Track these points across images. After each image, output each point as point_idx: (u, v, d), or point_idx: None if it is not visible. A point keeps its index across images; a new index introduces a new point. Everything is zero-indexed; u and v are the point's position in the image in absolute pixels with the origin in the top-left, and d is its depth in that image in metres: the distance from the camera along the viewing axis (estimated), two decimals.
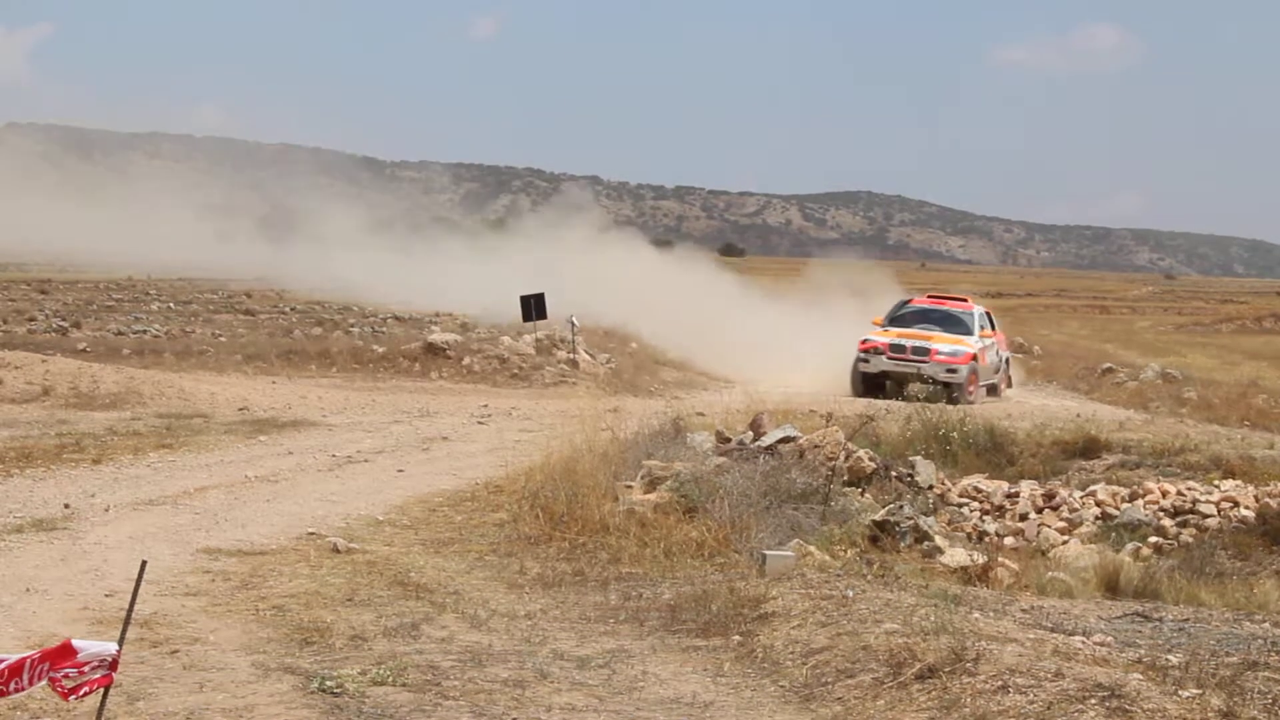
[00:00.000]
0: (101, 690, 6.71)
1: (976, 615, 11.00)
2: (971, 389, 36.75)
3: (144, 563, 7.39)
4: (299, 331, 42.97)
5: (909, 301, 42.55)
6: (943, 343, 37.87)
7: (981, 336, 39.07)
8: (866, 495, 17.95)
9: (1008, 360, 42.55)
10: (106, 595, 11.90)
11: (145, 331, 40.70)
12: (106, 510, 15.82)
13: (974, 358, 37.63)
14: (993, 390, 39.55)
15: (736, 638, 11.06)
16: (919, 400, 26.79)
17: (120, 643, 6.67)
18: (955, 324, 39.34)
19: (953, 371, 36.90)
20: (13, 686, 6.29)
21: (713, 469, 17.13)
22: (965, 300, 42.51)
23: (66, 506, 15.88)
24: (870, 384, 37.09)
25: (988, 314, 41.34)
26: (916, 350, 37.69)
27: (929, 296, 43.40)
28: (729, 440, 19.86)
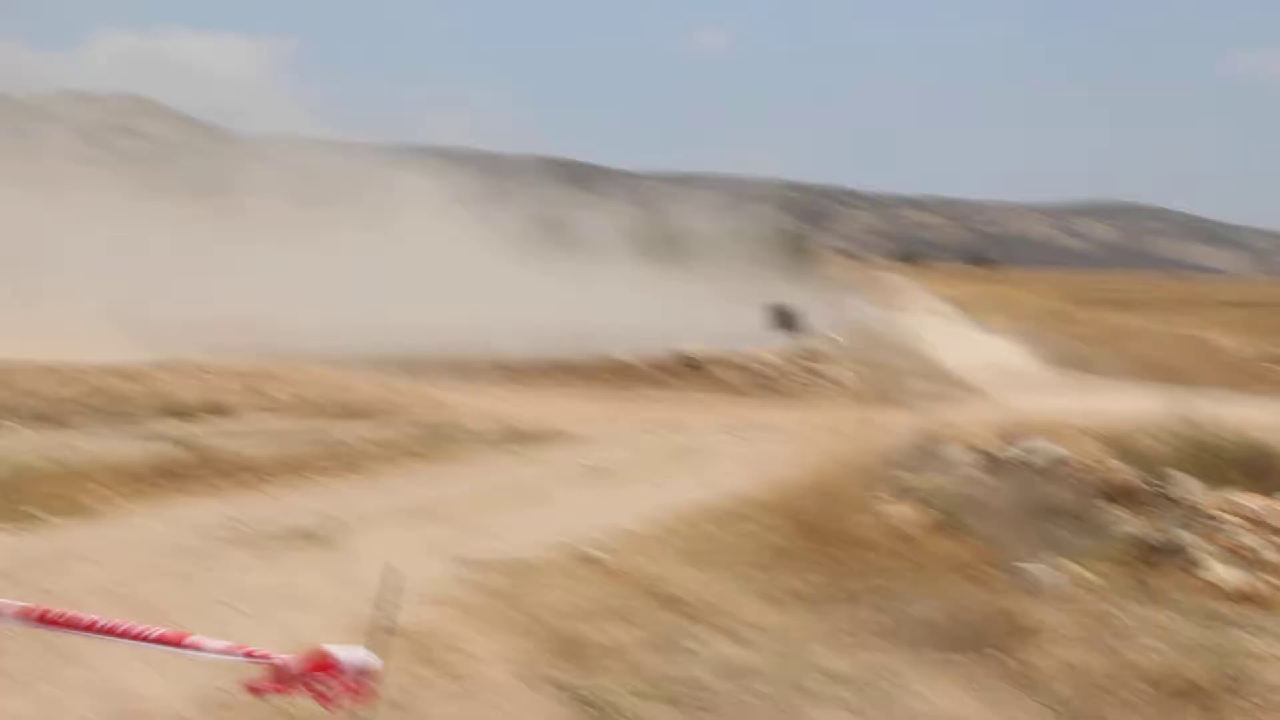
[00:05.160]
0: (365, 701, 6.81)
1: (1244, 635, 10.77)
2: None
3: (397, 572, 7.49)
4: (552, 342, 43.37)
5: None
6: None
7: None
8: (1127, 511, 17.66)
9: None
10: (366, 605, 12.09)
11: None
12: (364, 520, 16.08)
13: None
14: None
15: (996, 654, 10.94)
16: None
17: (379, 653, 6.77)
18: None
19: None
20: (278, 687, 6.41)
21: (968, 482, 16.98)
22: None
23: (325, 516, 16.16)
24: None
25: None
26: None
27: None
28: (984, 453, 19.67)
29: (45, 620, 6.43)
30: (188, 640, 6.43)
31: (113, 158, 59.27)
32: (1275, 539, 17.86)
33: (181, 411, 25.56)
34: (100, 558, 13.62)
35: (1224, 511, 18.85)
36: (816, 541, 15.06)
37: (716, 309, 50.24)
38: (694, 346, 40.34)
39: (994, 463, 18.93)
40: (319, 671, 6.50)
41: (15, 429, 22.33)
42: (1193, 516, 18.10)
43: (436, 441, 23.65)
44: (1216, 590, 14.09)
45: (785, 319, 39.65)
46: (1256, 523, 18.36)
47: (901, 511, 15.98)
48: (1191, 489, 18.93)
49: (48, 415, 23.87)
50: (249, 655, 6.50)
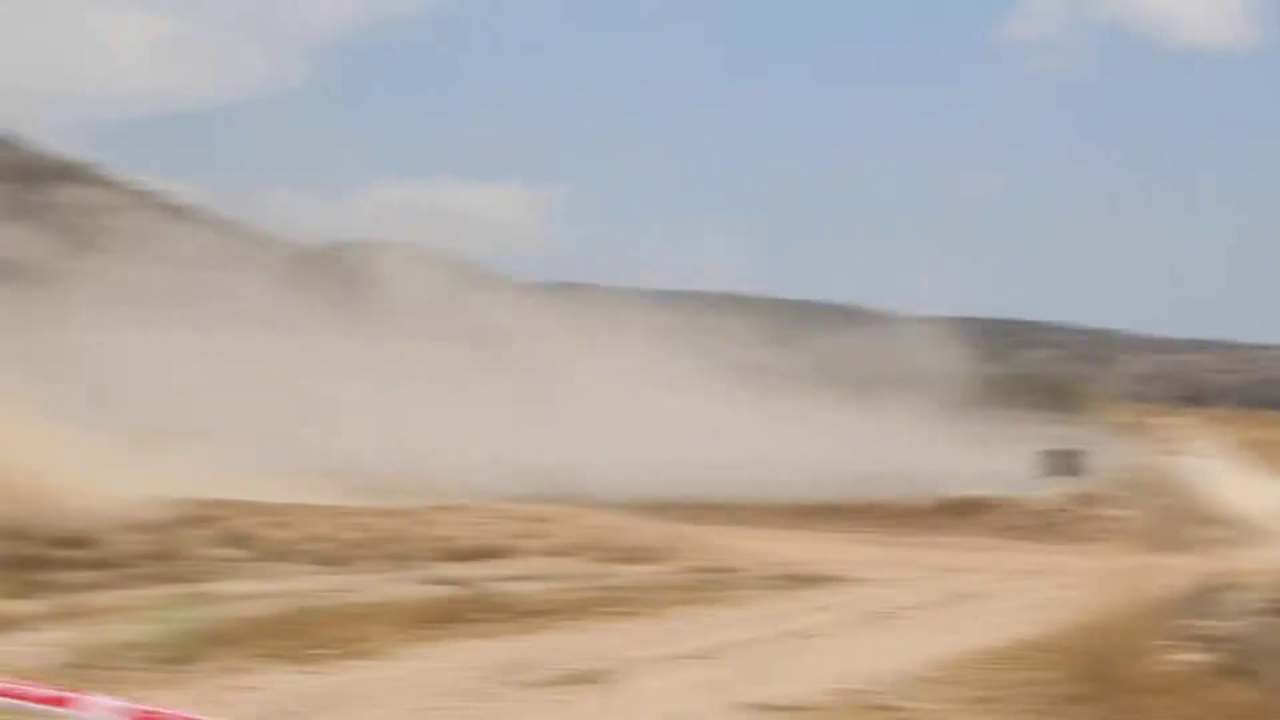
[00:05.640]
0: None
1: None
2: None
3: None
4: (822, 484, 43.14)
5: None
6: None
7: None
8: None
9: None
10: None
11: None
12: (643, 663, 16.02)
13: None
14: None
15: None
16: None
17: None
18: None
19: None
20: None
21: (1259, 629, 16.50)
22: None
23: (603, 658, 16.10)
24: None
25: None
26: None
27: None
28: (1272, 598, 19.12)
29: None
30: None
31: (378, 304, 60.65)
32: None
33: (460, 554, 25.91)
34: (382, 698, 13.81)
35: None
36: (1101, 687, 14.69)
37: (993, 452, 49.60)
38: (971, 489, 39.90)
39: None
40: None
41: (300, 570, 22.83)
42: None
43: (714, 584, 23.62)
44: None
45: (1065, 462, 39.06)
46: None
47: (1187, 657, 15.57)
48: None
49: (331, 557, 24.37)
50: None
